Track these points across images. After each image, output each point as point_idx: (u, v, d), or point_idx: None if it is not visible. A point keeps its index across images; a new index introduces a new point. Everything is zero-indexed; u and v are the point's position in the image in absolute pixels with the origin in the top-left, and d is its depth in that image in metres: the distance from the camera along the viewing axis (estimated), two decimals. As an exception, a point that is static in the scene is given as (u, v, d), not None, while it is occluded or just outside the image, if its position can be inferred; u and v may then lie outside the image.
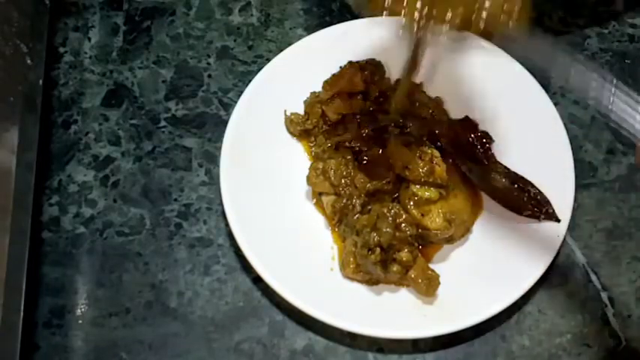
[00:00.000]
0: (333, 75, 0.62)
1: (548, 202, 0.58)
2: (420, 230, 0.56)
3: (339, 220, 0.59)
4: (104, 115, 0.66)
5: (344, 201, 0.58)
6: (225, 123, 0.62)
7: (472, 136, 0.60)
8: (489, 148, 0.60)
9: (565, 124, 0.61)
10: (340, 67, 0.62)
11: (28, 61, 0.59)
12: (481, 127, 0.61)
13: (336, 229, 0.59)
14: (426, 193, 0.56)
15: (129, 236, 0.61)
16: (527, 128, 0.61)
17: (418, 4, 0.55)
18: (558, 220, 0.58)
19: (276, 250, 0.58)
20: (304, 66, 0.64)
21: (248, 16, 0.70)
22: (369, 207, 0.57)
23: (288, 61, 0.64)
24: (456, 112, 0.62)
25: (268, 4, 0.71)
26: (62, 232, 0.61)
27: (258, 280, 0.59)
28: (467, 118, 0.61)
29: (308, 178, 0.59)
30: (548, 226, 0.58)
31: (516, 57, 0.65)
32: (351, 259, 0.57)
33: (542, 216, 0.58)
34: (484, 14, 0.53)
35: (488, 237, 0.59)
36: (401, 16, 0.55)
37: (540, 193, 0.58)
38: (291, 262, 0.58)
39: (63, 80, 0.67)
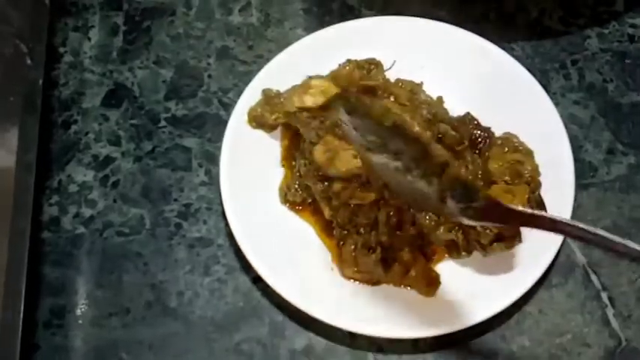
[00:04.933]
0: (332, 72, 0.62)
1: (542, 206, 0.58)
2: None
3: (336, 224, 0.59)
4: (104, 115, 0.66)
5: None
6: (225, 123, 0.62)
7: (475, 132, 0.60)
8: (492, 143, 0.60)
9: (565, 124, 0.61)
10: (339, 65, 0.62)
11: (28, 61, 0.59)
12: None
13: (334, 232, 0.59)
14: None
15: (129, 236, 0.61)
16: (527, 128, 0.61)
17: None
18: None
19: (276, 250, 0.58)
20: (304, 66, 0.63)
21: (248, 16, 0.70)
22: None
23: (288, 61, 0.64)
24: (455, 113, 0.62)
25: (268, 4, 0.71)
26: (62, 232, 0.61)
27: (258, 280, 0.59)
28: (468, 114, 0.61)
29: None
30: (548, 226, 0.58)
31: (517, 57, 0.65)
32: (351, 259, 0.57)
33: None
34: None
35: (488, 237, 0.59)
36: None
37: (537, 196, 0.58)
38: (291, 262, 0.58)
39: (63, 80, 0.67)
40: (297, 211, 0.60)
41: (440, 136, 0.57)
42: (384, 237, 0.55)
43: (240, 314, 0.59)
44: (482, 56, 0.64)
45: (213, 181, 0.63)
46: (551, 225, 0.43)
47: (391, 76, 0.63)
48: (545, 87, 0.63)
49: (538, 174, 0.57)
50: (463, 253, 0.57)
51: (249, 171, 0.61)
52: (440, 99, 0.62)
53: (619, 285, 0.59)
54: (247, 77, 0.65)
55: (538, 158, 0.58)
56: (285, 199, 0.60)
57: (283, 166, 0.62)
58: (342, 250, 0.58)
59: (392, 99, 0.58)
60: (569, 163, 0.60)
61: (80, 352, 0.57)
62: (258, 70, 0.64)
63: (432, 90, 0.62)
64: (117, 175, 0.64)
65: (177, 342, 0.58)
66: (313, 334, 0.58)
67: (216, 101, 0.66)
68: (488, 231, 0.54)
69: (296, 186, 0.60)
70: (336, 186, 0.56)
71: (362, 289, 0.57)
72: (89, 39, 0.69)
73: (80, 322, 0.58)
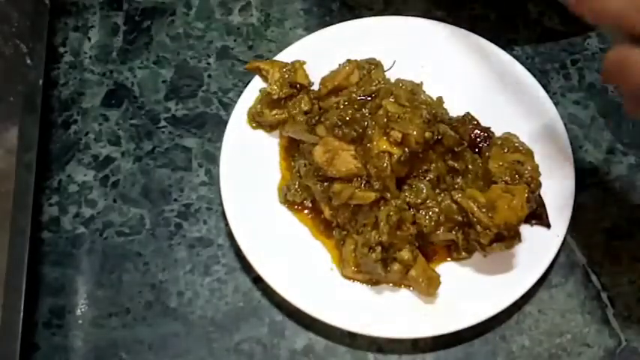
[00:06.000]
0: (331, 72, 0.62)
1: (542, 206, 0.58)
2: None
3: (337, 224, 0.59)
4: (104, 115, 0.66)
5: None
6: (225, 123, 0.62)
7: (475, 132, 0.60)
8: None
9: (565, 124, 0.61)
10: (339, 65, 0.62)
11: (28, 61, 0.59)
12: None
13: (334, 233, 0.59)
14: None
15: (129, 236, 0.61)
16: (528, 128, 0.61)
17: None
18: (549, 227, 0.58)
19: (276, 249, 0.58)
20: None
21: (248, 16, 0.70)
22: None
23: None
24: (455, 113, 0.62)
25: (268, 4, 0.71)
26: (62, 232, 0.61)
27: (258, 280, 0.59)
28: (468, 114, 0.61)
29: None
30: (548, 225, 0.58)
31: (517, 57, 0.65)
32: (351, 259, 0.57)
33: (533, 221, 0.58)
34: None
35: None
36: None
37: (537, 196, 0.58)
38: (291, 262, 0.58)
39: (63, 80, 0.67)
40: (296, 211, 0.60)
41: (439, 137, 0.57)
42: (384, 237, 0.54)
43: (240, 314, 0.59)
44: (482, 56, 0.64)
45: (213, 181, 0.63)
46: None
47: (391, 76, 0.63)
48: (545, 87, 0.63)
49: (538, 174, 0.57)
50: (463, 253, 0.57)
51: (249, 171, 0.61)
52: (440, 99, 0.62)
53: (619, 285, 0.59)
54: (247, 77, 0.65)
55: (538, 158, 0.59)
56: (284, 199, 0.60)
57: (283, 166, 0.62)
58: (342, 250, 0.58)
59: (392, 99, 0.58)
60: (569, 163, 0.60)
61: (80, 352, 0.57)
62: (259, 70, 0.64)
63: (432, 90, 0.62)
64: (117, 175, 0.64)
65: (177, 342, 0.58)
66: (313, 334, 0.58)
67: (216, 101, 0.66)
68: (488, 231, 0.54)
69: (296, 186, 0.60)
70: (336, 186, 0.56)
71: (362, 289, 0.57)
72: (89, 39, 0.69)
73: (80, 322, 0.58)
